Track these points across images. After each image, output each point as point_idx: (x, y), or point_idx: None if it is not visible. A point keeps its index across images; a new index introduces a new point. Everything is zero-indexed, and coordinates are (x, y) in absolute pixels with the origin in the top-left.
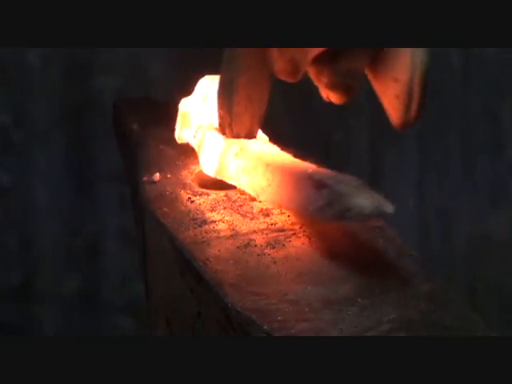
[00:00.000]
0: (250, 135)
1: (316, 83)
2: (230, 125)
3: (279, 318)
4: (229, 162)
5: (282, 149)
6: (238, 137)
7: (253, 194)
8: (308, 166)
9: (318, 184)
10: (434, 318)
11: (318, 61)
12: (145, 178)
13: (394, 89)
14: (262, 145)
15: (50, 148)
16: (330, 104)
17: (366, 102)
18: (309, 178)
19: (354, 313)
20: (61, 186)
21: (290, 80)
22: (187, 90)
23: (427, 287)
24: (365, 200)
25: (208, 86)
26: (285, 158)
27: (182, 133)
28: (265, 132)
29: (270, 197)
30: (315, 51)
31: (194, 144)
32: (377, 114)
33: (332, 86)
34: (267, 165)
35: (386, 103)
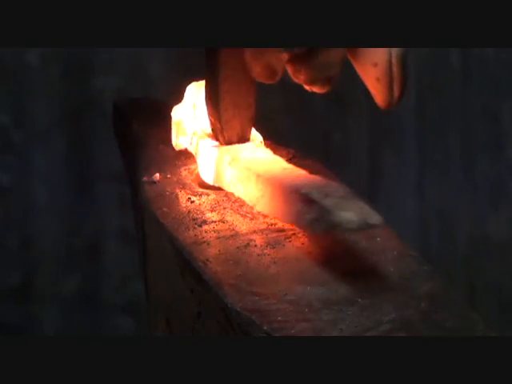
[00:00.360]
0: (243, 139)
1: (295, 81)
2: (222, 131)
3: (279, 318)
4: (224, 171)
5: (281, 149)
6: (230, 142)
7: (249, 204)
8: (298, 175)
9: (305, 199)
10: (434, 318)
11: (293, 59)
12: (145, 179)
13: (374, 73)
14: (253, 151)
15: (50, 148)
16: (330, 104)
17: (365, 103)
18: (296, 191)
19: (354, 313)
20: (61, 186)
21: (269, 82)
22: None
23: (427, 287)
24: (351, 214)
25: (196, 93)
26: (275, 166)
27: (179, 140)
28: (265, 132)
29: (265, 208)
30: (289, 53)
31: (191, 150)
32: (376, 114)
33: (310, 82)
34: (258, 176)
35: (369, 86)
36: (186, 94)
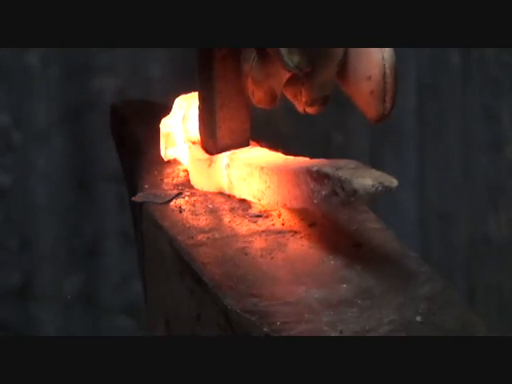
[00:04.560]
0: None
1: (295, 103)
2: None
3: (279, 319)
4: (221, 175)
5: (280, 150)
6: None
7: (254, 200)
8: (302, 160)
9: (317, 176)
10: (434, 319)
11: (292, 81)
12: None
13: (367, 86)
14: (250, 150)
15: (50, 148)
16: (330, 104)
17: None
18: (307, 171)
19: (354, 314)
20: (61, 186)
21: (269, 107)
22: (186, 90)
23: (427, 288)
24: (367, 179)
25: (186, 106)
26: (276, 157)
27: (168, 152)
28: (265, 132)
29: (272, 198)
30: (288, 75)
31: (182, 160)
32: None
33: (312, 103)
34: (262, 168)
35: (359, 101)
36: (174, 107)
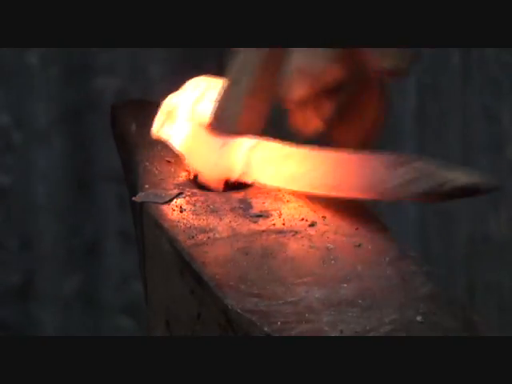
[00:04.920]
0: None
1: (307, 116)
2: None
3: (280, 319)
4: (236, 156)
5: None
6: None
7: (281, 184)
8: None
9: (392, 163)
10: (435, 319)
11: (321, 95)
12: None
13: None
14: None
15: (49, 148)
16: None
17: None
18: (376, 158)
19: (355, 314)
20: (61, 186)
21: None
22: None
23: (428, 288)
24: (458, 173)
25: (204, 87)
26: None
27: (163, 129)
28: (266, 131)
29: (314, 182)
30: (329, 78)
31: (176, 143)
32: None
33: (329, 119)
34: (307, 150)
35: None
36: (186, 86)
